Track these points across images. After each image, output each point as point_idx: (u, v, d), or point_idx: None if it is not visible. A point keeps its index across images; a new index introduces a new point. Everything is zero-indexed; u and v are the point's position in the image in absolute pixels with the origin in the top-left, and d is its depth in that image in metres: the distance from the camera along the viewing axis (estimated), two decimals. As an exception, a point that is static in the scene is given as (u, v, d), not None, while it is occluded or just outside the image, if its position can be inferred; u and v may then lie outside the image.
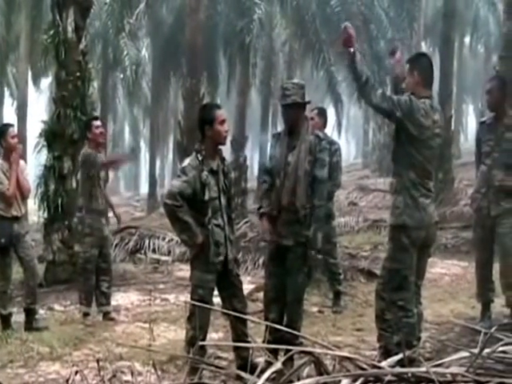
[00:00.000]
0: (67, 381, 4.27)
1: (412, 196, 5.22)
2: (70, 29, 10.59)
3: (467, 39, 36.21)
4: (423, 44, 31.68)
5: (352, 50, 5.13)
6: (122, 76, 27.28)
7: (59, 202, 10.32)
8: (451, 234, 13.43)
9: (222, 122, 5.43)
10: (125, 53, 24.91)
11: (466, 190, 17.93)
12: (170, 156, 39.16)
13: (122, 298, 9.11)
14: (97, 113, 14.28)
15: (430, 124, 5.22)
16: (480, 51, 38.27)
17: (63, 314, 8.42)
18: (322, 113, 8.12)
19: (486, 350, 3.47)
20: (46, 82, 30.45)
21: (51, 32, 10.84)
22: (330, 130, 29.61)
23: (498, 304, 7.19)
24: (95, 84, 17.20)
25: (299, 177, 5.57)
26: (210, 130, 5.38)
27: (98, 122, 8.21)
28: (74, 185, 10.25)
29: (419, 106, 5.17)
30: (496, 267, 7.03)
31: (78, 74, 10.64)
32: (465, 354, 3.59)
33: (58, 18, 10.68)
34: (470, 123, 51.52)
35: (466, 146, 32.40)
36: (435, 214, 5.48)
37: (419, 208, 5.23)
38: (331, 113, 23.54)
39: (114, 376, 4.19)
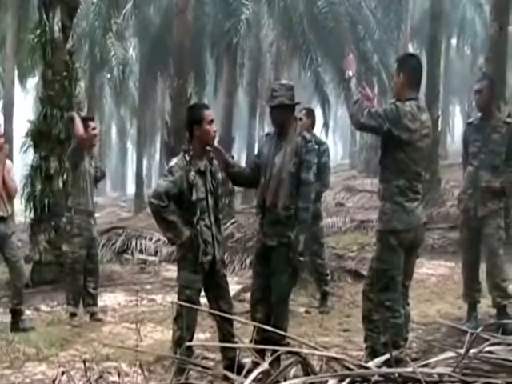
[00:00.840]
0: (53, 382, 4.26)
1: (399, 202, 5.22)
2: (56, 28, 10.54)
3: (454, 41, 36.37)
4: (410, 45, 31.77)
5: (351, 73, 5.33)
6: (108, 76, 27.25)
7: (46, 202, 10.27)
8: (438, 234, 13.47)
9: (211, 121, 5.44)
10: (112, 53, 24.88)
11: (453, 190, 18.01)
12: (157, 156, 39.09)
13: (108, 299, 9.09)
14: (84, 113, 14.25)
15: (418, 126, 5.23)
16: (467, 53, 38.46)
17: (50, 315, 8.39)
18: (310, 113, 8.11)
19: (473, 351, 3.48)
20: (33, 81, 30.32)
21: (38, 31, 10.80)
22: (319, 131, 29.61)
23: (485, 304, 7.22)
24: (82, 84, 17.16)
25: (283, 178, 5.55)
26: (199, 129, 5.38)
27: (94, 124, 8.17)
28: (61, 185, 10.22)
29: (406, 111, 5.17)
30: (482, 268, 7.06)
31: (64, 73, 10.61)
32: (451, 354, 3.60)
33: (44, 17, 10.63)
34: (456, 124, 51.73)
35: (453, 147, 32.52)
36: (423, 215, 5.50)
37: (407, 211, 5.24)
38: (318, 113, 23.59)
39: (101, 377, 4.19)
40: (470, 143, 7.11)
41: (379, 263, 5.34)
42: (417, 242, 5.44)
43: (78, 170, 7.84)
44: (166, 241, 6.67)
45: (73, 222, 7.91)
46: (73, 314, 7.86)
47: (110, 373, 5.13)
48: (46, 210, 10.30)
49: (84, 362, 4.58)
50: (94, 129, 8.01)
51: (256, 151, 6.02)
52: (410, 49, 32.65)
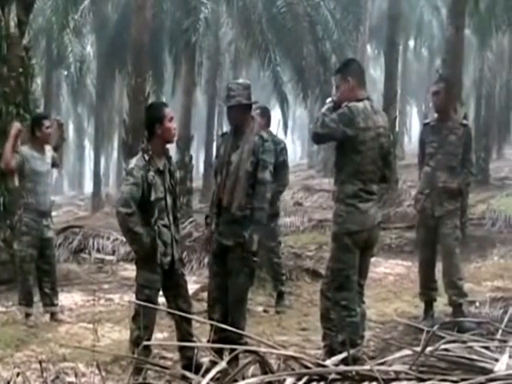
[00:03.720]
0: (8, 383, 4.19)
1: (353, 204, 5.26)
2: (12, 24, 10.38)
3: (411, 42, 36.81)
4: (368, 46, 32.07)
5: (330, 100, 5.45)
6: (66, 73, 26.94)
7: (1, 200, 10.11)
8: (395, 234, 13.61)
9: (171, 119, 5.44)
10: (69, 49, 24.59)
11: (410, 191, 18.21)
12: (115, 155, 38.81)
13: (65, 299, 8.98)
14: (40, 110, 14.06)
15: (371, 125, 5.28)
16: (424, 54, 38.93)
17: (5, 315, 8.25)
18: (265, 112, 8.11)
19: (429, 348, 3.52)
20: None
21: (-7, 27, 10.63)
22: (275, 130, 29.68)
23: (441, 303, 7.32)
24: (38, 81, 16.94)
25: (239, 177, 5.56)
26: (160, 127, 5.36)
27: (49, 122, 8.05)
28: (17, 183, 10.06)
29: (359, 110, 5.24)
30: (439, 267, 7.15)
31: (20, 70, 10.45)
32: (408, 352, 3.63)
33: (0, 12, 10.47)
34: (413, 125, 52.28)
35: (410, 148, 32.87)
36: (378, 216, 5.53)
37: (361, 212, 5.28)
38: (277, 113, 23.62)
39: (57, 377, 4.15)
40: (426, 144, 7.20)
41: (334, 263, 5.39)
42: (371, 241, 5.49)
43: (24, 169, 7.72)
44: (124, 240, 6.63)
45: (21, 220, 7.81)
46: (28, 314, 7.76)
47: (66, 373, 5.07)
48: (2, 208, 10.14)
49: (40, 362, 4.54)
50: (48, 128, 7.89)
51: (214, 150, 6.02)
52: (369, 50, 32.96)
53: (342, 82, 5.45)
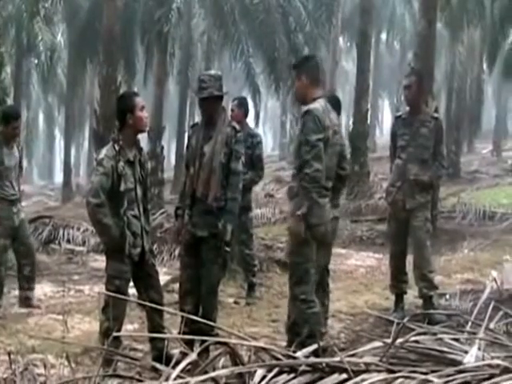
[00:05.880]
0: (-24, 374, 4.15)
1: (311, 198, 5.27)
2: (-19, 12, 10.26)
3: (384, 35, 36.96)
4: (341, 39, 32.10)
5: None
6: (36, 62, 26.63)
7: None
8: (366, 226, 13.65)
9: (142, 108, 5.42)
10: (39, 38, 24.31)
11: (381, 183, 18.30)
12: (86, 144, 38.53)
13: (35, 290, 8.90)
14: (9, 99, 13.88)
15: (329, 124, 5.31)
16: (396, 48, 39.12)
17: (-27, 307, 8.18)
18: (243, 103, 8.10)
19: (399, 340, 3.54)
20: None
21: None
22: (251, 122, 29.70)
23: (411, 295, 7.36)
24: (8, 69, 16.71)
25: (214, 168, 5.58)
26: (132, 117, 5.33)
27: (18, 123, 7.87)
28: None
29: (317, 107, 5.26)
30: (409, 259, 7.20)
31: (-11, 58, 10.33)
32: (378, 344, 3.65)
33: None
34: (385, 118, 52.55)
35: (382, 141, 33.03)
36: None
37: (320, 206, 5.29)
38: (249, 104, 23.53)
39: (26, 369, 4.11)
40: (398, 137, 7.23)
41: (293, 257, 5.40)
42: (329, 235, 5.50)
43: None
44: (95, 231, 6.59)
45: None
46: (-4, 306, 7.68)
47: (35, 365, 5.02)
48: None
49: (9, 354, 4.49)
50: (15, 128, 7.76)
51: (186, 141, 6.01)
52: (341, 42, 33.02)
53: (296, 79, 5.51)
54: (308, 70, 5.44)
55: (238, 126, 5.82)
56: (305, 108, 5.29)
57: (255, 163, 7.79)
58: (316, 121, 5.17)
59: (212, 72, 6.25)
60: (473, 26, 22.88)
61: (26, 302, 7.77)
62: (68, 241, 12.16)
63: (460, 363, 3.35)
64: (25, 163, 10.28)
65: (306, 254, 5.30)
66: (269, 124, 64.62)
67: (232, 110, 7.95)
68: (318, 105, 5.29)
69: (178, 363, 3.44)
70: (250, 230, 8.31)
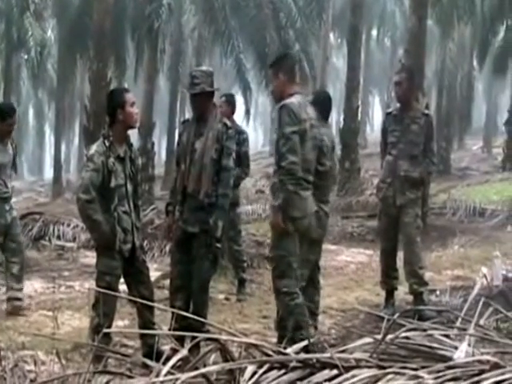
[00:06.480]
0: (-34, 371, 4.13)
1: (295, 191, 5.28)
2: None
3: (374, 32, 36.98)
4: (331, 35, 32.08)
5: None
6: (26, 57, 26.52)
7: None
8: (357, 222, 13.66)
9: (133, 104, 5.43)
10: (29, 33, 24.19)
11: (372, 179, 18.33)
12: (76, 140, 38.44)
13: (25, 286, 8.86)
14: (-1, 95, 13.81)
15: (306, 117, 5.33)
16: (387, 44, 39.16)
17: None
18: (230, 100, 8.10)
19: (390, 336, 3.55)
20: None
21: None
22: (241, 118, 29.66)
23: (402, 291, 7.38)
24: (-2, 65, 16.60)
25: (205, 164, 5.58)
26: (122, 113, 5.32)
27: (12, 120, 7.82)
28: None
29: (292, 101, 5.30)
30: (400, 255, 7.21)
31: (-21, 53, 10.28)
32: (369, 340, 3.66)
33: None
34: (376, 114, 52.60)
35: (372, 137, 33.10)
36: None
37: (302, 199, 5.31)
38: (240, 100, 23.53)
39: (16, 365, 4.10)
40: (388, 133, 7.24)
41: (276, 250, 5.41)
42: (313, 228, 5.51)
43: None
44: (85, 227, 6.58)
45: None
46: (-14, 303, 7.64)
47: (25, 361, 5.02)
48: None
49: (-2, 350, 4.48)
50: (10, 125, 7.71)
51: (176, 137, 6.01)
52: (331, 38, 33.00)
53: (273, 78, 5.55)
54: (285, 67, 5.50)
55: (229, 123, 5.82)
56: (280, 103, 5.32)
57: (242, 160, 7.80)
58: (290, 114, 5.22)
59: (204, 68, 6.25)
60: (463, 22, 22.91)
61: (14, 302, 7.69)
62: (58, 237, 12.12)
63: (450, 359, 3.36)
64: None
65: (288, 247, 5.31)
66: (259, 120, 64.56)
67: (220, 107, 7.95)
68: (294, 99, 5.34)
69: (168, 359, 3.45)
70: (239, 226, 8.32)
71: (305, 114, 5.33)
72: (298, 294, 5.37)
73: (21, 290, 7.74)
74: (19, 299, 7.65)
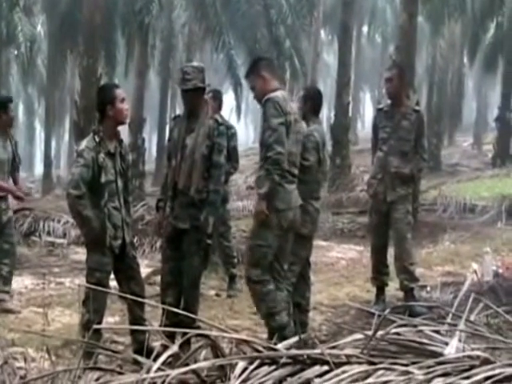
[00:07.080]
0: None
1: (280, 184, 5.27)
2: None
3: (365, 28, 37.03)
4: (322, 31, 32.10)
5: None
6: (16, 52, 26.42)
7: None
8: (347, 218, 13.68)
9: (123, 100, 5.40)
10: (19, 28, 24.11)
11: (363, 175, 18.35)
12: (66, 136, 38.28)
13: (15, 283, 8.79)
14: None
15: (290, 110, 5.34)
16: (377, 41, 39.20)
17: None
18: (217, 96, 8.08)
19: (380, 332, 3.55)
20: None
21: None
22: (228, 114, 29.61)
23: (392, 287, 7.39)
24: (-13, 60, 16.53)
25: (196, 160, 5.57)
26: (112, 109, 5.31)
27: (11, 106, 7.77)
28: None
29: (277, 95, 5.31)
30: (391, 252, 7.22)
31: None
32: (359, 336, 3.66)
33: None
34: (367, 111, 52.66)
35: (363, 133, 33.13)
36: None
37: (287, 192, 5.32)
38: (231, 97, 23.54)
39: (6, 362, 4.07)
40: (379, 129, 7.25)
41: (254, 239, 5.40)
42: (298, 222, 5.52)
43: None
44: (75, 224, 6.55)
45: None
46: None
47: (15, 358, 4.99)
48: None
49: (-12, 347, 4.46)
50: (11, 118, 7.67)
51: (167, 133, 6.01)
52: (322, 35, 33.02)
53: (257, 80, 5.53)
54: (264, 66, 5.54)
55: (220, 119, 5.81)
56: (265, 98, 5.32)
57: (231, 155, 7.78)
58: (276, 106, 5.23)
59: (195, 64, 6.23)
60: (454, 19, 22.98)
61: (1, 305, 7.60)
62: (48, 233, 12.09)
63: (440, 355, 3.36)
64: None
65: (267, 238, 5.30)
66: (250, 117, 64.53)
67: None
68: (278, 93, 5.36)
69: (159, 356, 3.44)
70: (228, 222, 8.33)
71: (289, 108, 5.35)
72: (268, 282, 5.35)
73: (7, 292, 7.63)
74: (5, 301, 7.55)
